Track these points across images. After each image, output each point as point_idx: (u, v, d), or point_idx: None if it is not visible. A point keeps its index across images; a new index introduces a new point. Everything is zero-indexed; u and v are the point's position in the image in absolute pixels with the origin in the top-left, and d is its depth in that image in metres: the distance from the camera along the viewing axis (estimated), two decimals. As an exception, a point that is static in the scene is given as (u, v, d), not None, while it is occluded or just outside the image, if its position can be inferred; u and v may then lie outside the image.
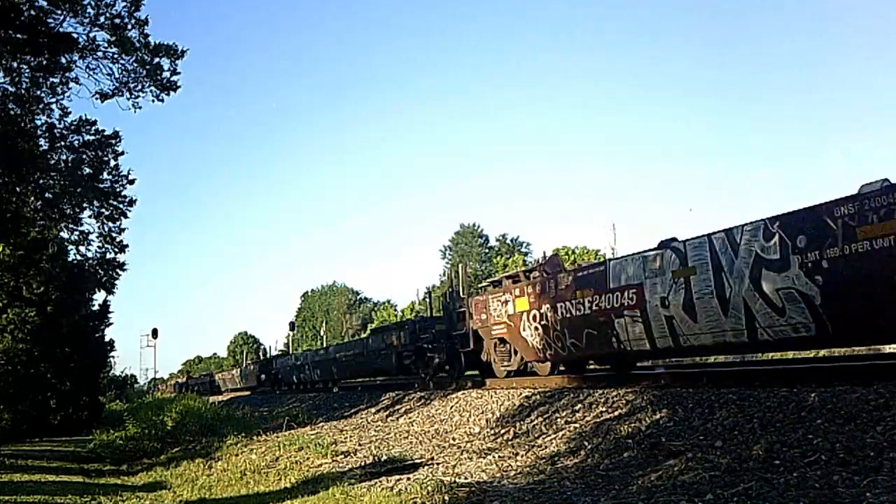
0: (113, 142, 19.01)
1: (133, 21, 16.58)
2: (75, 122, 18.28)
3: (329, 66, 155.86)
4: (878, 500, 4.81)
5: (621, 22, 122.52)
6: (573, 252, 72.69)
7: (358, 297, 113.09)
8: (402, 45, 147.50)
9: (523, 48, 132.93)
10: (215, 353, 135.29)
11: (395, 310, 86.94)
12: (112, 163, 19.21)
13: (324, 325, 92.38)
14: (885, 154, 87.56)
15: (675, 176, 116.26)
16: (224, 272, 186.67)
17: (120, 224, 19.83)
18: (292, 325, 72.60)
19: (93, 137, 18.55)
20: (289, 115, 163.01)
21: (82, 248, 20.22)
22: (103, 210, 19.47)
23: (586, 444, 8.82)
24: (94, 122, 18.49)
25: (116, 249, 19.76)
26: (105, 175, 19.22)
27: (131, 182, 19.77)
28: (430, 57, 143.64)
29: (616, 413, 9.69)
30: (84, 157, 18.62)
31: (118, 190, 19.55)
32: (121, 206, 19.64)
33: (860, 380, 7.84)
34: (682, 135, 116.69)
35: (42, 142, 17.64)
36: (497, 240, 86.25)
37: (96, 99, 16.80)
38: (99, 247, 19.87)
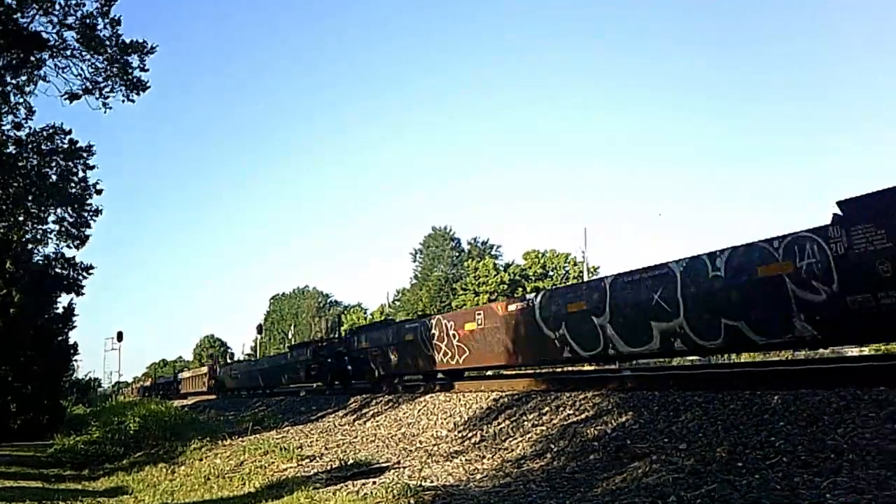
0: (84, 154, 18.83)
1: (106, 21, 16.39)
2: (48, 129, 18.08)
3: (305, 69, 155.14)
4: (837, 501, 4.85)
5: (596, 23, 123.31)
6: (543, 255, 73.13)
7: (328, 300, 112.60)
8: (377, 50, 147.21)
9: (496, 52, 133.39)
10: (181, 357, 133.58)
11: (365, 313, 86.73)
12: (80, 174, 19.06)
13: (292, 328, 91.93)
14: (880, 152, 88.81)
15: (648, 180, 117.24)
16: (192, 274, 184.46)
17: (84, 232, 19.68)
18: (260, 329, 72.12)
19: (65, 146, 18.36)
20: (263, 119, 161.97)
21: (45, 248, 20.03)
22: (67, 217, 19.31)
23: (553, 446, 8.82)
24: (70, 132, 18.32)
25: (77, 244, 19.57)
26: (73, 185, 19.07)
27: (98, 192, 19.61)
28: (405, 62, 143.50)
29: (583, 416, 9.71)
30: (52, 163, 18.40)
31: (85, 199, 19.38)
32: (85, 215, 19.48)
33: (823, 383, 7.94)
34: (656, 138, 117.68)
35: (9, 144, 17.40)
36: (469, 243, 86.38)
37: (65, 99, 16.53)
38: (59, 245, 19.70)
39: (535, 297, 13.83)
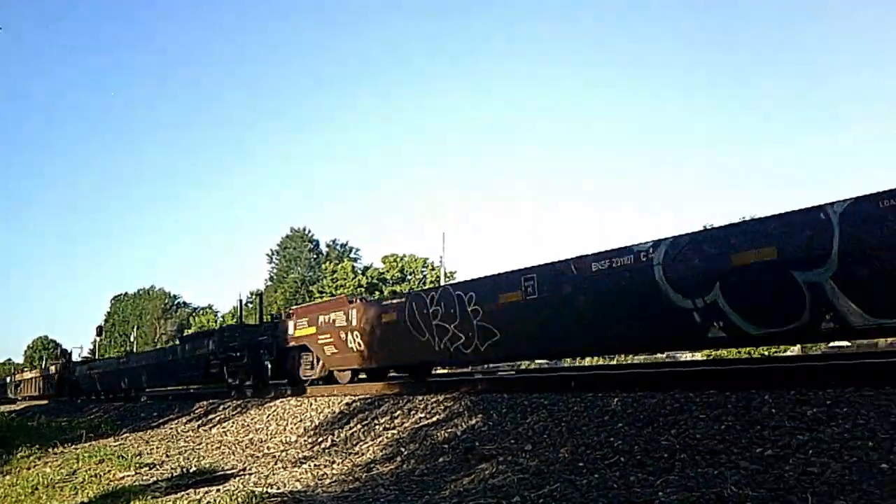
0: None
1: None
2: None
3: (152, 60, 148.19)
4: (669, 498, 5.11)
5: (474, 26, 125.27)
6: (402, 259, 73.58)
7: (175, 302, 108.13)
8: (232, 42, 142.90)
9: (358, 50, 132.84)
10: (10, 359, 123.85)
11: (216, 315, 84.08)
12: None
13: (135, 329, 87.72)
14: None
15: (505, 186, 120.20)
16: (22, 272, 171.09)
17: None
18: (100, 330, 68.22)
19: None
20: (109, 110, 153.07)
21: None
22: None
23: (403, 450, 8.83)
24: None
25: None
26: None
27: None
28: (264, 54, 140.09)
29: (434, 419, 9.79)
30: None
31: None
32: None
33: (659, 386, 8.39)
34: (515, 143, 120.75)
35: None
36: (327, 245, 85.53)
37: None
38: None
39: (655, 246, 9.09)
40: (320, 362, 15.77)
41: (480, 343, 11.58)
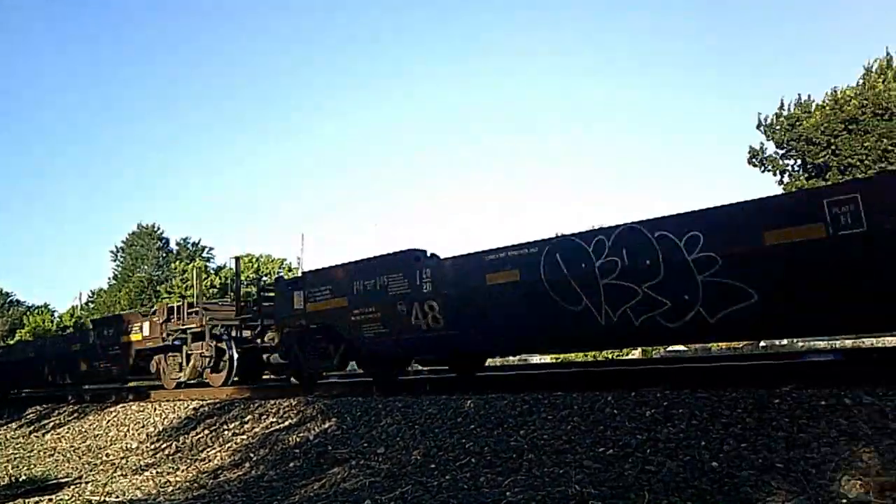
0: None
1: None
2: None
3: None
4: (516, 497, 5.24)
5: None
6: (257, 260, 71.81)
7: (8, 300, 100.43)
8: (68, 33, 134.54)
9: (228, 43, 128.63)
10: None
11: (53, 315, 78.90)
12: None
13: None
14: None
15: (364, 189, 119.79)
16: None
17: None
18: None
19: None
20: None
21: None
22: None
23: (252, 455, 8.61)
24: None
25: None
26: None
27: None
28: (111, 38, 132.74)
29: (286, 423, 9.60)
30: None
31: None
32: None
33: (511, 388, 8.61)
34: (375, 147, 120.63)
35: None
36: (178, 243, 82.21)
37: None
38: None
39: None
40: (341, 348, 11.59)
41: (708, 312, 7.54)
